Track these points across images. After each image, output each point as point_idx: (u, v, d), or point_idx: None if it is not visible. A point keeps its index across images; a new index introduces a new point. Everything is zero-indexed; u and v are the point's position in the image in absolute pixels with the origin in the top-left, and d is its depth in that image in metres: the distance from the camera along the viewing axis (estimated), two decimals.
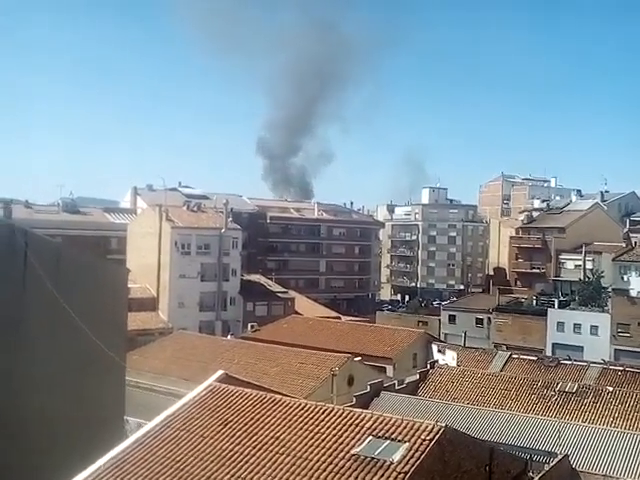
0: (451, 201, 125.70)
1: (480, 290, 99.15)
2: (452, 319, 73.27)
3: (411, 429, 14.95)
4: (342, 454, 14.49)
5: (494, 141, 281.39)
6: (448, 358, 43.26)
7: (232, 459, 14.93)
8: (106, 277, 21.32)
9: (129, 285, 25.52)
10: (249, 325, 53.00)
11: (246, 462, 14.75)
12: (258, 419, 16.37)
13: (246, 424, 16.23)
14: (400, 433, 14.90)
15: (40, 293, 18.15)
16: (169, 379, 30.54)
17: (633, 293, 62.40)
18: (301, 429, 15.69)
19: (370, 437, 14.95)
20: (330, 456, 14.50)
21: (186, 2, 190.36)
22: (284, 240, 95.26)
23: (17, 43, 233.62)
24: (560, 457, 20.63)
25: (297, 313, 61.50)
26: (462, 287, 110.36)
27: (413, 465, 13.74)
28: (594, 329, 63.05)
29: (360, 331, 49.03)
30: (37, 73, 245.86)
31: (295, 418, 16.20)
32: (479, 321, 70.93)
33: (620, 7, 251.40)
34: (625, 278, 63.24)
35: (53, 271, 18.65)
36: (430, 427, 14.85)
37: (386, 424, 15.39)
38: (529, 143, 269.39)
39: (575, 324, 64.07)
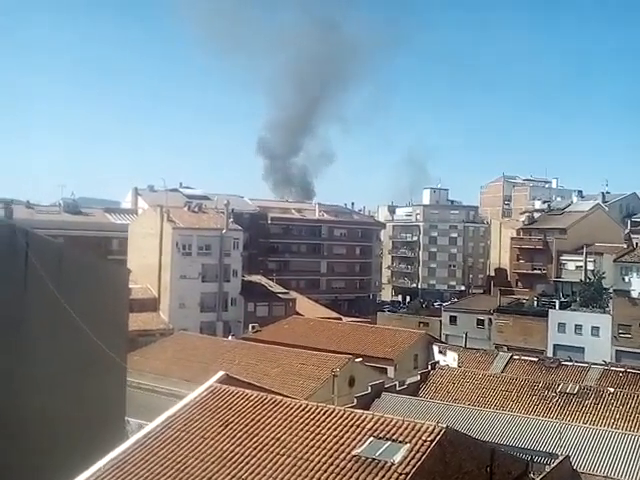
0: (452, 202, 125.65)
1: (481, 291, 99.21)
2: (453, 320, 73.30)
3: (412, 430, 14.94)
4: (343, 455, 14.48)
5: (495, 142, 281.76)
6: (449, 359, 43.26)
7: (233, 460, 14.93)
8: (107, 278, 21.32)
9: (130, 286, 25.57)
10: (250, 326, 53.02)
11: (247, 463, 14.75)
12: (259, 420, 16.36)
13: (247, 425, 16.23)
14: (401, 434, 14.89)
15: (41, 294, 18.16)
16: (170, 380, 30.54)
17: (634, 294, 62.39)
18: (302, 430, 15.68)
19: (371, 438, 14.94)
20: (331, 457, 14.49)
21: (187, 2, 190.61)
22: (285, 241, 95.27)
23: (17, 43, 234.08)
24: (561, 458, 20.62)
25: (298, 314, 61.49)
26: (463, 288, 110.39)
27: (414, 466, 13.73)
28: (595, 330, 63.05)
29: (361, 332, 49.03)
30: (37, 73, 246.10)
31: (296, 419, 16.19)
32: (480, 322, 70.95)
33: (620, 7, 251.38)
34: (626, 279, 63.23)
35: (54, 272, 18.66)
36: (431, 428, 14.83)
37: (387, 425, 15.38)
38: (530, 144, 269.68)
39: (576, 325, 64.09)
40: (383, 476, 13.60)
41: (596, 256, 80.00)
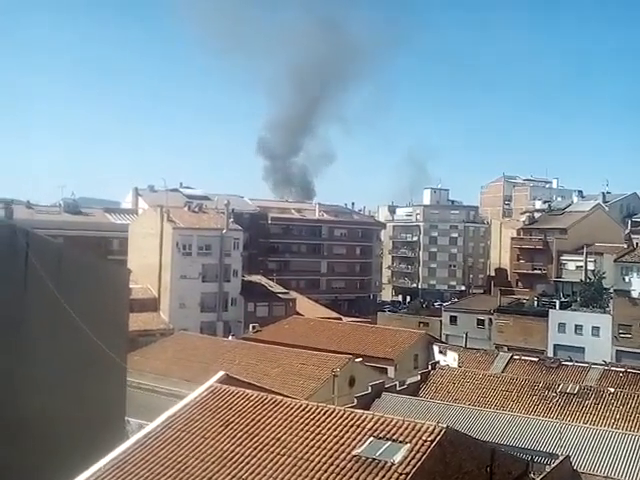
0: (452, 202, 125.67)
1: (481, 291, 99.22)
2: (453, 320, 73.30)
3: (412, 430, 14.94)
4: (343, 455, 14.48)
5: (495, 142, 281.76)
6: (449, 359, 43.25)
7: (233, 460, 14.93)
8: (107, 278, 21.32)
9: (130, 286, 25.58)
10: (250, 326, 53.01)
11: (247, 463, 14.75)
12: (259, 420, 16.36)
13: (247, 425, 16.23)
14: (401, 434, 14.89)
15: (41, 294, 18.16)
16: (170, 380, 30.54)
17: (634, 294, 62.39)
18: (302, 430, 15.68)
19: (371, 438, 14.94)
20: (331, 457, 14.49)
21: (187, 2, 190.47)
22: (285, 241, 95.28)
23: (17, 43, 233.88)
24: (561, 458, 20.61)
25: (298, 314, 61.49)
26: (463, 288, 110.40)
27: (414, 466, 13.73)
28: (595, 330, 63.05)
29: (361, 332, 49.03)
30: (37, 73, 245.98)
31: (296, 419, 16.19)
32: (480, 322, 70.95)
33: (620, 7, 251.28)
34: (626, 279, 63.23)
35: (54, 272, 18.66)
36: (431, 428, 14.83)
37: (387, 425, 15.38)
38: (530, 144, 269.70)
39: (576, 325, 64.09)
40: (383, 476, 13.60)
41: (596, 256, 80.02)
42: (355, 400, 30.03)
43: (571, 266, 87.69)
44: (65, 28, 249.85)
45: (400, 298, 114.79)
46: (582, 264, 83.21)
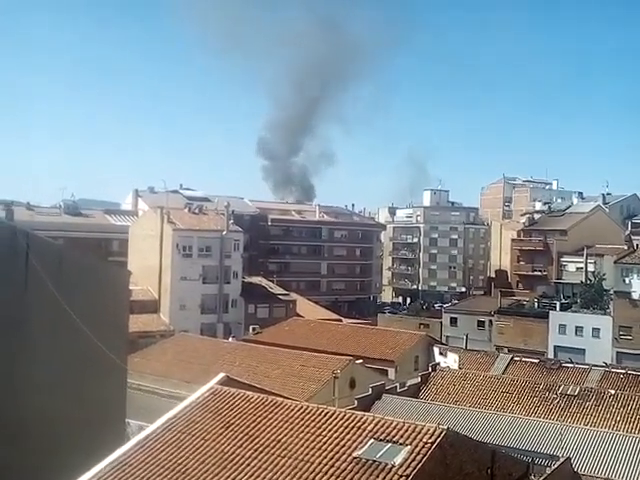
0: (452, 203, 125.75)
1: (482, 292, 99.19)
2: (454, 322, 73.25)
3: (413, 432, 14.92)
4: (344, 457, 14.47)
5: (495, 142, 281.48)
6: (450, 361, 43.22)
7: (233, 462, 14.92)
8: (107, 279, 21.32)
9: (130, 287, 25.57)
10: (250, 327, 52.99)
11: (247, 465, 14.73)
12: (259, 422, 16.35)
13: (247, 427, 16.21)
14: (402, 436, 14.88)
15: (42, 295, 18.15)
16: (170, 381, 30.54)
17: (635, 296, 62.34)
18: (302, 432, 15.67)
19: (372, 440, 14.93)
20: (332, 459, 14.48)
21: (187, 1, 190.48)
22: (285, 242, 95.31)
23: (17, 43, 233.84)
24: (562, 460, 20.60)
25: (298, 315, 61.49)
26: (464, 289, 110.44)
27: (415, 468, 13.72)
28: (596, 332, 62.99)
29: (362, 334, 49.04)
30: (37, 73, 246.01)
31: (296, 421, 16.18)
32: (481, 324, 70.91)
33: (620, 7, 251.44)
34: (627, 280, 63.19)
35: (55, 273, 18.66)
36: (432, 430, 14.82)
37: (388, 427, 15.36)
38: (530, 145, 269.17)
39: (577, 327, 64.03)
40: (384, 478, 13.59)
41: (597, 257, 79.97)
42: (355, 402, 29.99)
43: (571, 267, 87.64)
44: (65, 28, 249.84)
45: (400, 300, 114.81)
46: (582, 265, 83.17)
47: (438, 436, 14.60)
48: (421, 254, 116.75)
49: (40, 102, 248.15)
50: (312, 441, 15.23)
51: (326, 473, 14.06)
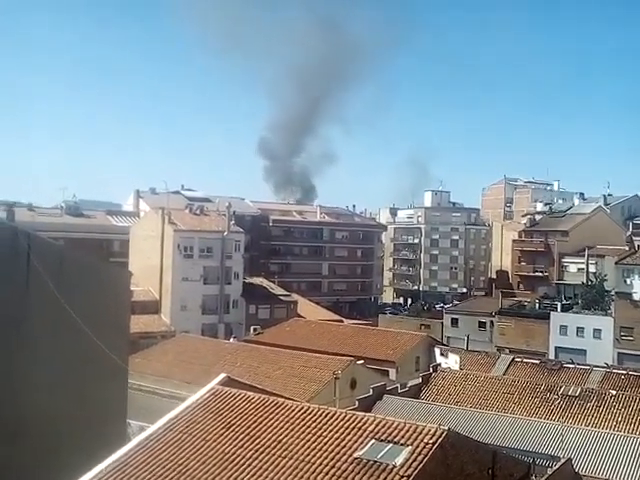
0: (454, 204, 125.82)
1: (483, 293, 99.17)
2: (455, 322, 73.21)
3: (414, 432, 14.92)
4: (345, 457, 14.47)
5: (495, 142, 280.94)
6: (451, 361, 43.21)
7: (234, 462, 14.92)
8: (109, 280, 21.33)
9: (132, 288, 25.58)
10: (252, 328, 53.00)
11: (248, 465, 14.74)
12: (260, 422, 16.36)
13: (248, 427, 16.22)
14: (403, 436, 14.88)
15: (43, 296, 18.16)
16: (171, 382, 30.55)
17: (636, 296, 62.28)
18: (303, 432, 15.67)
19: (373, 440, 14.93)
20: (333, 459, 14.48)
21: (187, 1, 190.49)
22: (286, 243, 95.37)
23: (17, 43, 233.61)
24: (563, 461, 20.59)
25: (300, 316, 61.53)
26: (465, 290, 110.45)
27: (416, 469, 13.72)
28: (597, 333, 62.95)
29: (363, 334, 49.05)
30: (37, 73, 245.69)
31: (297, 421, 16.18)
32: (482, 324, 70.88)
33: (620, 7, 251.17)
34: (628, 281, 63.16)
35: (56, 274, 18.66)
36: (433, 430, 14.82)
37: (389, 427, 15.36)
38: (531, 145, 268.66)
39: (578, 327, 63.97)
40: (385, 478, 13.59)
41: (598, 258, 79.98)
42: (356, 402, 30.00)
43: (572, 268, 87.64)
44: (65, 28, 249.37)
45: (401, 300, 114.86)
46: (584, 266, 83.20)
47: (439, 437, 14.60)
48: (422, 255, 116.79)
49: (40, 102, 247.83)
50: (313, 442, 15.23)
51: (327, 474, 14.06)
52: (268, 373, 35.61)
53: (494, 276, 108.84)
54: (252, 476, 14.37)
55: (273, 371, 36.03)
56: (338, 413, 16.53)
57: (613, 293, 65.36)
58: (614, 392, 32.93)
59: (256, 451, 15.18)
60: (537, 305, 74.45)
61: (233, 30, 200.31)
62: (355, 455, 14.45)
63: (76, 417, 18.75)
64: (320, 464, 14.38)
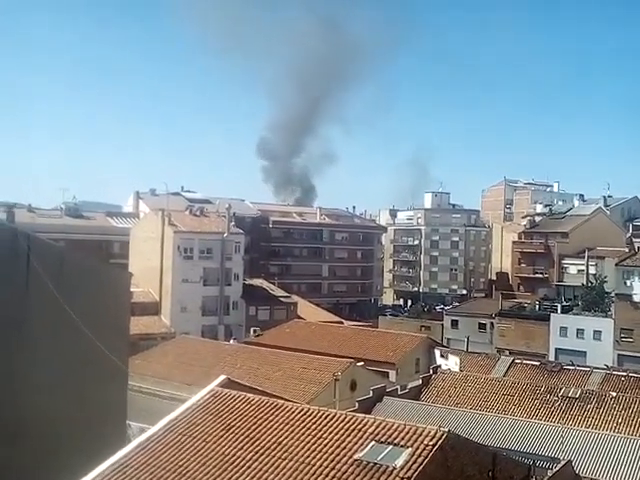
0: (453, 206, 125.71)
1: (483, 295, 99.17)
2: (455, 324, 73.21)
3: (414, 434, 14.92)
4: (344, 459, 14.46)
5: (496, 143, 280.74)
6: (451, 363, 43.20)
7: (234, 464, 14.91)
8: (109, 281, 21.34)
9: (131, 289, 25.57)
10: (252, 330, 52.97)
11: (248, 467, 14.73)
12: (260, 424, 16.35)
13: (248, 429, 16.21)
14: (403, 438, 14.87)
15: (43, 297, 18.16)
16: (172, 384, 30.53)
17: (636, 298, 62.27)
18: (303, 434, 15.66)
19: (373, 442, 14.92)
20: (332, 461, 14.47)
21: (187, 1, 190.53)
22: (286, 244, 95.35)
23: (17, 43, 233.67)
24: (563, 463, 20.59)
25: (300, 318, 61.49)
26: (465, 292, 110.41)
27: (416, 470, 13.71)
28: (597, 334, 62.94)
29: (363, 336, 49.01)
30: (37, 73, 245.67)
31: (297, 423, 16.17)
32: (482, 326, 70.88)
33: (620, 7, 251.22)
34: (628, 283, 63.16)
35: (56, 275, 18.67)
36: (433, 432, 14.81)
37: (389, 429, 15.35)
38: (531, 145, 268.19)
39: (578, 329, 63.96)
40: None
41: (598, 260, 79.94)
42: (356, 404, 30.01)
43: (572, 270, 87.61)
44: (65, 28, 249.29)
45: (401, 302, 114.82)
46: (584, 268, 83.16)
47: (439, 438, 14.60)
48: (422, 256, 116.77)
49: (40, 102, 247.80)
50: (313, 443, 15.22)
51: (327, 475, 14.06)
52: (268, 375, 35.59)
53: (494, 278, 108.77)
54: (252, 478, 14.37)
55: (273, 373, 36.01)
56: (338, 415, 16.52)
57: (613, 295, 65.33)
58: (614, 394, 32.92)
59: (256, 453, 15.17)
60: (537, 307, 74.42)
61: (233, 30, 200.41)
62: (355, 457, 14.44)
63: (76, 418, 18.75)
64: (320, 466, 14.38)
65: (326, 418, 16.20)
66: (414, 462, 13.94)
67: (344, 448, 14.85)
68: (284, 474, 14.29)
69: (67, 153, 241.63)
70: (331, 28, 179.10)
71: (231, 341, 48.57)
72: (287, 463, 14.64)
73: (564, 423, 28.99)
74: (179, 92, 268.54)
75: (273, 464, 14.67)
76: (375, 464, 14.04)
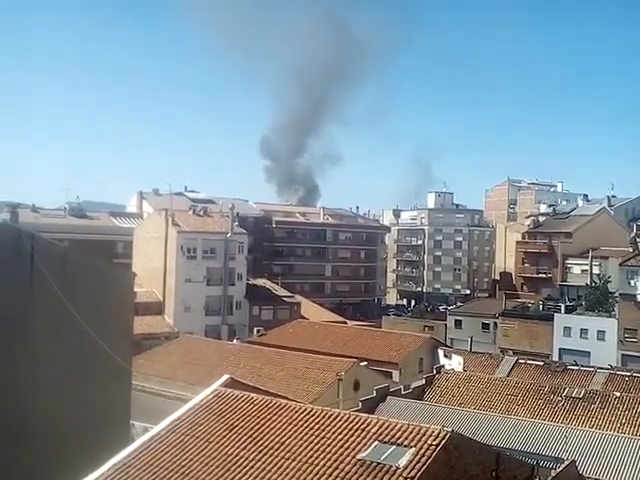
0: (457, 206, 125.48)
1: (486, 295, 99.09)
2: (458, 324, 73.15)
3: (417, 434, 14.90)
4: (348, 459, 14.45)
5: (497, 143, 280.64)
6: (454, 363, 43.16)
7: (237, 464, 14.91)
8: (112, 281, 21.36)
9: (135, 289, 25.57)
10: (255, 329, 53.01)
11: (251, 467, 14.73)
12: (264, 424, 16.35)
13: (252, 429, 16.21)
14: (406, 438, 14.85)
15: (46, 297, 18.19)
16: (175, 383, 30.56)
17: None
18: (307, 434, 15.66)
19: (376, 442, 14.91)
20: (336, 461, 14.46)
21: (187, 1, 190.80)
22: (290, 244, 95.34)
23: (17, 43, 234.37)
24: (567, 463, 20.56)
25: (303, 317, 61.48)
26: (468, 292, 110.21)
27: (419, 470, 13.69)
28: (601, 334, 62.84)
29: (366, 336, 49.00)
30: (37, 73, 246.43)
31: (301, 423, 16.17)
32: (485, 326, 70.81)
33: (620, 7, 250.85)
34: (632, 283, 63.01)
35: (59, 275, 18.69)
36: (436, 432, 14.79)
37: (392, 429, 15.34)
38: (533, 145, 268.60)
39: (582, 329, 63.86)
40: None
41: (602, 260, 79.76)
42: (360, 404, 29.99)
43: (576, 270, 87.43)
44: (65, 28, 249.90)
45: (405, 302, 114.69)
46: (587, 268, 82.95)
47: (443, 438, 14.58)
48: (425, 256, 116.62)
49: (40, 102, 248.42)
50: (316, 443, 15.22)
51: (330, 475, 14.05)
52: (271, 374, 35.60)
53: (498, 277, 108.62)
54: (255, 478, 14.36)
55: (276, 372, 36.03)
56: (341, 415, 16.51)
57: (617, 295, 65.23)
58: (618, 394, 32.86)
59: (259, 453, 15.17)
60: (541, 307, 74.29)
61: (234, 30, 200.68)
62: (358, 457, 14.43)
63: (80, 418, 18.77)
64: (323, 466, 14.37)
65: (329, 418, 16.20)
66: (417, 462, 13.92)
67: (347, 448, 14.84)
68: (287, 474, 14.29)
69: (69, 153, 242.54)
70: (332, 28, 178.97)
71: (234, 341, 48.60)
72: (290, 463, 14.64)
73: (568, 423, 28.94)
74: (181, 92, 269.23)
75: (276, 464, 14.67)
76: (378, 464, 14.03)
